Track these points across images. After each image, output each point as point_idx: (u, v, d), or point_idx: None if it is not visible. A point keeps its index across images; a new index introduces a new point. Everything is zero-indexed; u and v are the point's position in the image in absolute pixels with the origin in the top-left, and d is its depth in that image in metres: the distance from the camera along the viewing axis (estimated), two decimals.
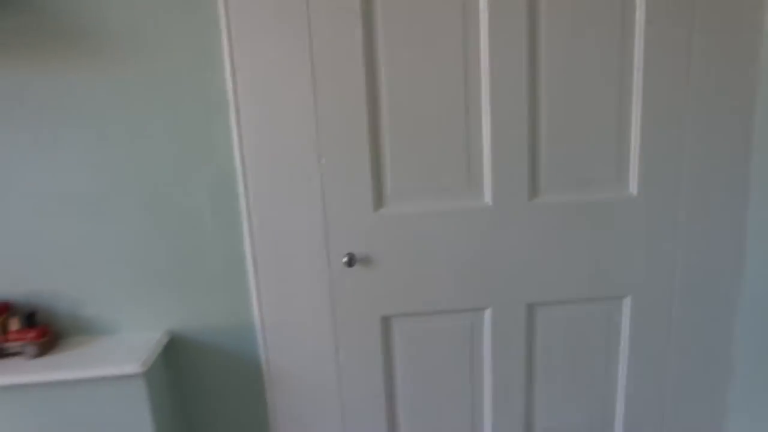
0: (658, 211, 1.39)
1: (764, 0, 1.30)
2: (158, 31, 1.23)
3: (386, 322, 1.41)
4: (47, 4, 1.21)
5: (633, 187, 1.38)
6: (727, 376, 1.52)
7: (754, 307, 1.42)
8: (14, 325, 1.30)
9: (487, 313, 1.43)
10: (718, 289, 1.45)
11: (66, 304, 1.36)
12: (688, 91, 1.33)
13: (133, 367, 1.23)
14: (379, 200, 1.34)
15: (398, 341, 1.43)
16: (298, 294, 1.37)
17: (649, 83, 1.32)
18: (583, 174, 1.36)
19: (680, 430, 1.56)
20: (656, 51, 1.30)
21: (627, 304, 1.46)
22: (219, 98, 1.27)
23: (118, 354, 1.28)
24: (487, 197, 1.36)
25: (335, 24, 1.23)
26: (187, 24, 1.24)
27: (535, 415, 1.52)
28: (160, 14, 1.23)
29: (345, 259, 1.34)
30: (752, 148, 1.37)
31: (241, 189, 1.30)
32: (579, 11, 1.27)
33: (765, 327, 1.39)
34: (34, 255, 1.32)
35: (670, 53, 1.31)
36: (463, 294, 1.40)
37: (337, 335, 1.40)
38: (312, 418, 1.44)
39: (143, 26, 1.23)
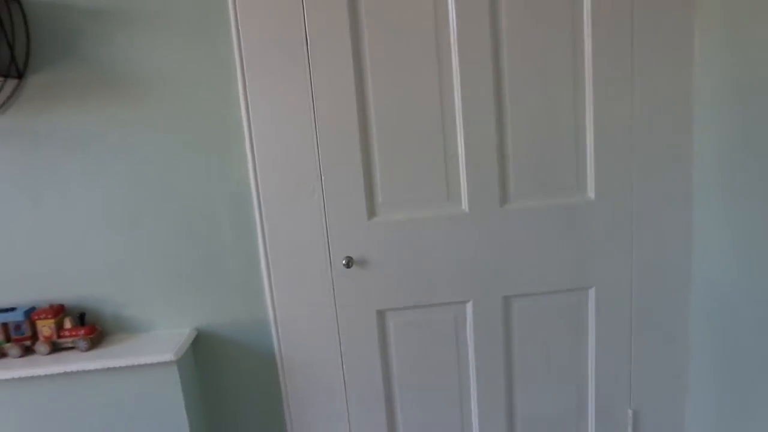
0: (613, 213, 1.61)
1: (693, 22, 1.52)
2: (185, 76, 1.49)
3: (381, 315, 1.64)
4: (94, 58, 1.47)
5: (591, 193, 1.60)
6: (686, 356, 1.72)
7: (705, 295, 1.62)
8: (68, 323, 1.54)
9: (469, 306, 1.65)
10: (671, 279, 1.66)
11: (109, 306, 1.60)
12: (633, 107, 1.55)
13: (167, 357, 1.47)
14: (371, 210, 1.58)
15: (392, 332, 1.65)
16: (305, 292, 1.60)
17: (599, 103, 1.54)
18: (546, 182, 1.59)
19: (646, 408, 1.75)
20: (603, 74, 1.53)
21: (592, 294, 1.67)
22: (236, 128, 1.53)
23: (154, 346, 1.52)
24: (464, 205, 1.59)
25: (330, 65, 1.48)
26: (208, 69, 1.49)
27: (515, 395, 1.73)
28: (187, 63, 1.48)
29: (344, 262, 1.57)
30: (693, 153, 1.59)
31: (255, 203, 1.54)
32: (535, 44, 1.51)
33: (714, 311, 1.59)
34: (83, 264, 1.57)
35: (616, 78, 1.53)
36: (446, 289, 1.63)
37: (339, 327, 1.63)
38: (320, 400, 1.67)
39: (172, 72, 1.49)
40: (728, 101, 1.43)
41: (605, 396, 1.74)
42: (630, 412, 1.75)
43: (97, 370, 1.47)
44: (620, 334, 1.70)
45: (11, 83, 1.47)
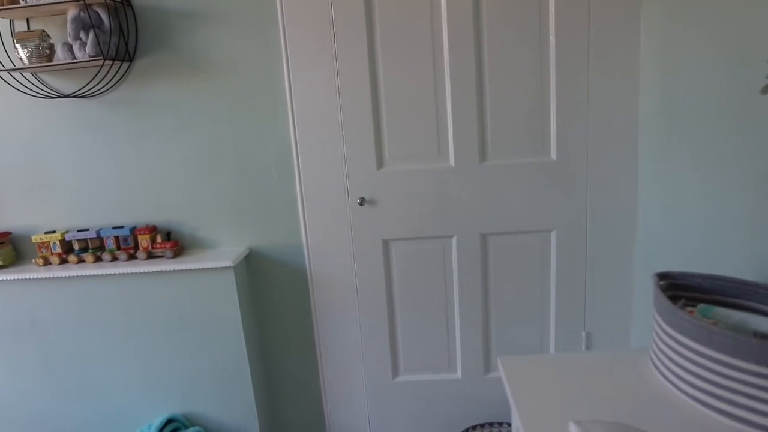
0: (571, 171, 2.03)
1: (639, 14, 1.90)
2: (245, 59, 2.03)
3: (386, 244, 2.14)
4: (182, 46, 2.03)
5: (553, 154, 2.03)
6: (631, 288, 2.12)
7: (645, 239, 2.01)
8: (159, 239, 2.14)
9: (454, 240, 2.12)
10: (619, 226, 2.06)
11: (187, 228, 2.19)
12: (588, 86, 1.96)
13: (227, 263, 2.03)
14: (380, 162, 2.07)
15: (394, 257, 2.15)
16: (329, 224, 2.13)
17: (560, 84, 1.96)
18: (516, 145, 2.03)
19: (598, 331, 2.17)
20: (564, 61, 1.94)
21: (554, 236, 2.10)
22: (281, 99, 2.05)
23: (218, 257, 2.08)
24: (452, 161, 2.05)
25: (351, 51, 1.98)
26: (262, 54, 2.02)
27: (490, 314, 2.19)
28: (246, 49, 2.02)
29: (358, 201, 2.08)
30: (638, 123, 1.98)
31: (294, 154, 2.08)
32: (509, 38, 1.94)
33: (652, 255, 1.98)
34: (170, 197, 2.16)
35: (574, 64, 1.94)
36: (436, 226, 2.11)
37: (354, 252, 2.15)
38: (339, 305, 2.21)
39: (236, 56, 2.03)
40: (662, 83, 1.81)
41: (564, 320, 2.17)
42: (584, 334, 2.17)
43: (178, 271, 2.06)
44: (576, 270, 2.12)
45: (125, 66, 2.06)
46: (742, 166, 1.39)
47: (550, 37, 1.94)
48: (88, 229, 2.16)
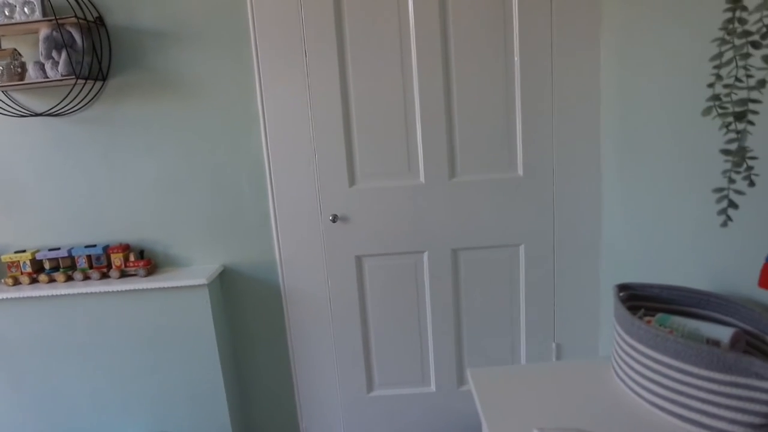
0: (538, 186, 2.10)
1: (599, 37, 1.99)
2: (218, 78, 2.06)
3: (359, 259, 2.18)
4: (154, 66, 2.05)
5: (520, 170, 2.09)
6: (597, 299, 2.18)
7: (609, 251, 2.08)
8: (132, 257, 2.14)
9: (425, 255, 2.16)
10: (584, 239, 2.13)
11: (160, 246, 2.19)
12: (552, 105, 2.03)
13: (201, 281, 2.04)
14: (352, 179, 2.11)
15: (367, 272, 2.19)
16: (302, 240, 2.15)
17: (525, 103, 2.03)
18: (484, 161, 2.09)
19: (568, 345, 2.22)
20: (528, 80, 2.02)
21: (522, 250, 2.16)
22: (253, 117, 2.08)
23: (192, 275, 2.09)
24: (422, 178, 2.10)
25: (322, 71, 2.02)
26: (234, 73, 2.06)
27: (462, 327, 2.23)
28: (219, 68, 2.05)
29: (331, 218, 2.11)
30: (600, 140, 2.06)
31: (267, 172, 2.10)
32: (476, 59, 2.01)
33: (615, 267, 2.05)
34: (142, 215, 2.16)
35: (538, 84, 2.02)
36: (408, 241, 2.15)
37: (327, 268, 2.17)
38: (313, 321, 2.22)
39: (208, 75, 2.06)
40: (621, 104, 1.89)
41: (534, 332, 2.22)
42: (554, 345, 2.23)
43: (151, 289, 2.06)
44: (545, 282, 2.18)
45: (98, 85, 2.07)
46: (690, 182, 1.47)
47: (515, 58, 2.01)
48: (59, 248, 2.15)
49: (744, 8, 0.96)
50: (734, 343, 1.13)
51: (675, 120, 1.53)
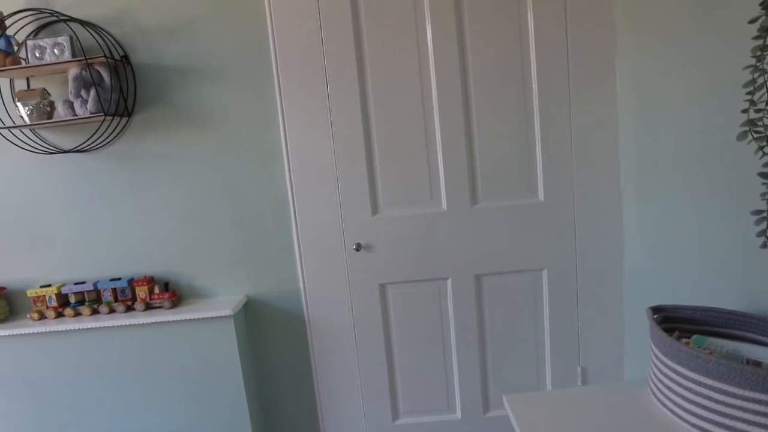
0: (559, 211, 2.11)
1: (615, 63, 2.03)
2: (241, 112, 2.10)
3: (383, 287, 2.18)
4: (178, 101, 2.09)
5: (541, 195, 2.11)
6: (622, 324, 2.18)
7: (632, 276, 2.09)
8: (156, 290, 2.15)
9: (449, 282, 2.17)
10: (607, 263, 2.14)
11: (185, 278, 2.21)
12: (571, 131, 2.06)
13: (226, 312, 2.05)
14: (375, 208, 2.13)
15: (391, 300, 2.19)
16: (326, 269, 2.16)
17: (545, 129, 2.06)
18: (505, 188, 2.11)
19: (593, 369, 2.21)
20: (547, 108, 2.05)
21: (545, 274, 2.16)
22: (276, 148, 2.12)
23: (217, 306, 2.10)
24: (444, 205, 2.12)
25: (344, 104, 2.06)
26: (257, 107, 2.09)
27: (486, 353, 2.22)
28: (242, 103, 2.09)
29: (354, 246, 2.12)
30: (619, 165, 2.08)
31: (290, 202, 2.13)
32: (495, 88, 2.05)
33: (639, 290, 2.05)
34: (167, 247, 2.18)
35: (557, 111, 2.05)
36: (431, 268, 2.16)
37: (351, 296, 2.18)
38: (337, 350, 2.22)
39: (232, 109, 2.10)
40: (638, 128, 1.92)
41: (559, 356, 2.21)
42: (579, 369, 2.22)
43: (177, 321, 2.07)
44: (568, 306, 2.18)
45: (123, 121, 2.11)
46: (717, 205, 1.48)
47: (533, 86, 2.05)
48: (84, 282, 2.17)
49: None
50: None
51: (695, 144, 1.55)
